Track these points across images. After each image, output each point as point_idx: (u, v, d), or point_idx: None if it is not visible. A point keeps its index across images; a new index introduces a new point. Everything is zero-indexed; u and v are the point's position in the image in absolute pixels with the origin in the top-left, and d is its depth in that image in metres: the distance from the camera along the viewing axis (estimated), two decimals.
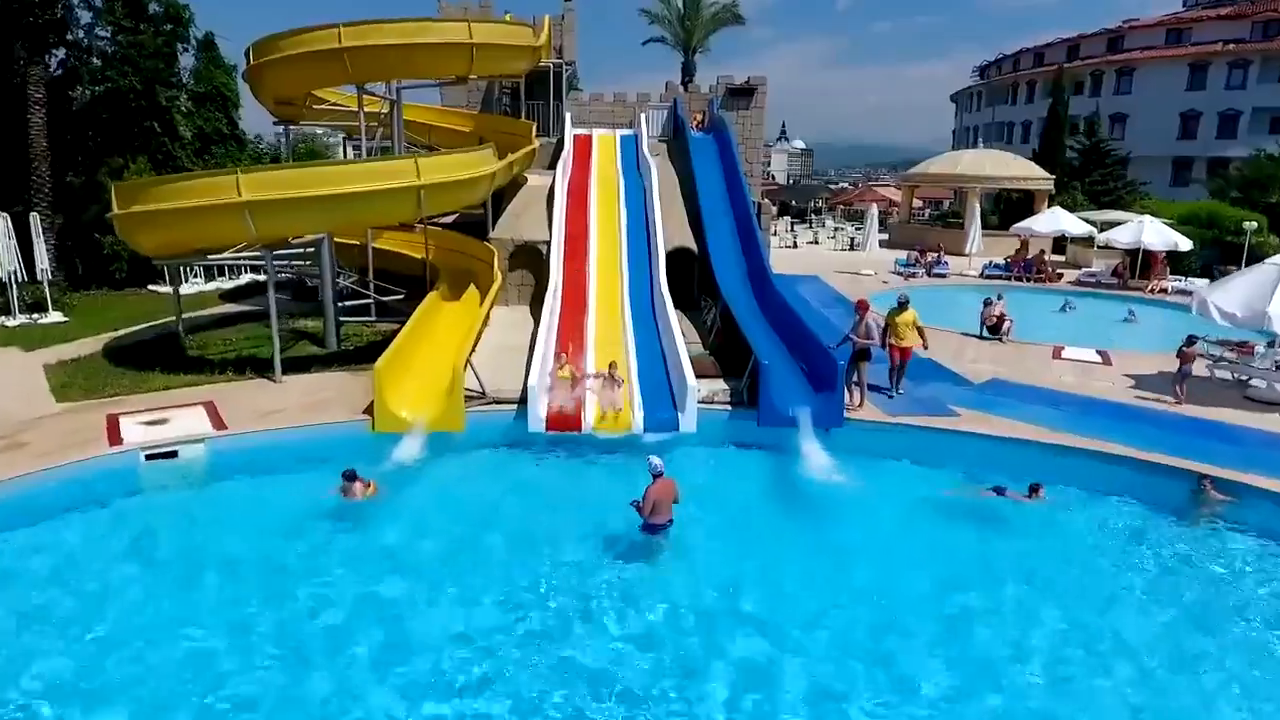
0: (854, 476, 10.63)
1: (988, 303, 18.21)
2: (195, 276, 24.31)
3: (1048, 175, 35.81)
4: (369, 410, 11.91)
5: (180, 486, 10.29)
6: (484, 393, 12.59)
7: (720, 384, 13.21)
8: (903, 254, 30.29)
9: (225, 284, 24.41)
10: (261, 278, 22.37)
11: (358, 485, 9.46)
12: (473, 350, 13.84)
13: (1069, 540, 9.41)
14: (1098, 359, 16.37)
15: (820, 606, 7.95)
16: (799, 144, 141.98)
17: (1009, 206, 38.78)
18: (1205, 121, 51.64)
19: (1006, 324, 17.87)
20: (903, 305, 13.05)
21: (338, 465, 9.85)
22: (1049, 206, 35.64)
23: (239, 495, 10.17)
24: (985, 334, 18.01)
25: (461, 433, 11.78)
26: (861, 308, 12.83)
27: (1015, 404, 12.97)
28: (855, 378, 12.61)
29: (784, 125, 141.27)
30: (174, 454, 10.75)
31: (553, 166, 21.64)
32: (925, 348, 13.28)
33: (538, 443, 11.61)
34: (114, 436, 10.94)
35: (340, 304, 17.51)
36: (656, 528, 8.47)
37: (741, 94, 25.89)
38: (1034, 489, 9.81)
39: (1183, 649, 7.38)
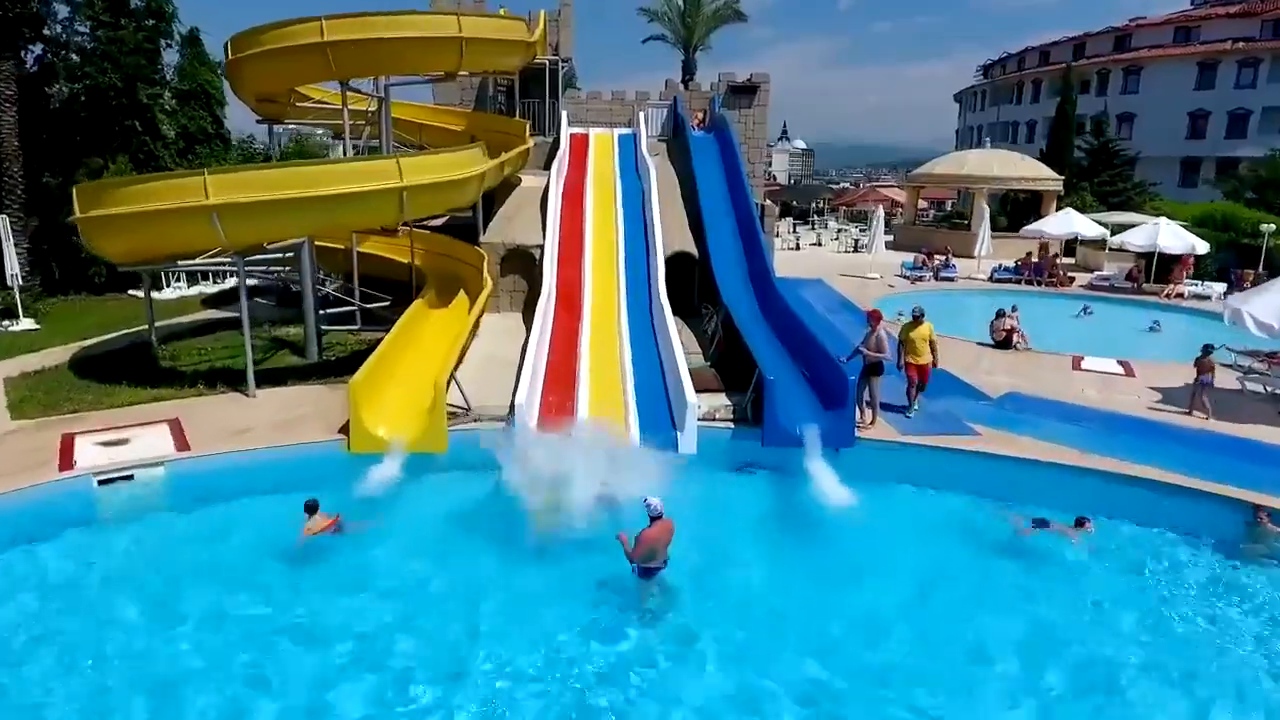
0: (870, 504, 9.78)
1: (1000, 315, 17.31)
2: (178, 281, 23.47)
3: (1056, 176, 35.02)
4: (346, 429, 11.09)
5: (132, 516, 9.42)
6: (469, 409, 11.76)
7: (722, 399, 12.38)
8: (908, 256, 29.47)
9: (209, 288, 23.57)
10: (249, 282, 21.57)
11: (319, 519, 8.61)
12: (459, 362, 13.03)
13: (1124, 583, 8.50)
14: (1119, 370, 15.53)
15: (839, 660, 7.12)
16: (800, 144, 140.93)
17: (1016, 207, 37.98)
18: (1214, 121, 50.78)
19: (1017, 338, 17.00)
20: (917, 319, 12.17)
21: (307, 491, 9.03)
22: (1058, 208, 34.92)
23: (194, 527, 9.31)
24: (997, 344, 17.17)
25: (444, 454, 10.94)
26: (874, 319, 11.99)
27: (1037, 420, 12.14)
28: (867, 394, 11.77)
29: (785, 125, 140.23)
30: (129, 478, 9.92)
31: (548, 167, 20.81)
32: (935, 364, 12.37)
33: None
34: (66, 459, 10.10)
35: (323, 311, 16.71)
36: (652, 571, 7.63)
37: (744, 92, 25.07)
38: (1080, 522, 8.94)
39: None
